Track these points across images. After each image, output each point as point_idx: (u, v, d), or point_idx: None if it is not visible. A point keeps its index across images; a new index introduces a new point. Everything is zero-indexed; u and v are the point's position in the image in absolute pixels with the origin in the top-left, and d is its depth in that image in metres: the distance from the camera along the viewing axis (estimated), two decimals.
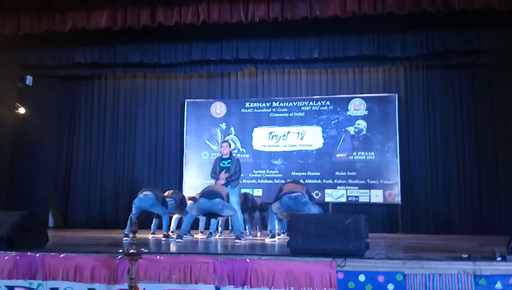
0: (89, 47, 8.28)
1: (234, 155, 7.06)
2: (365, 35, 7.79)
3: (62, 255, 4.01)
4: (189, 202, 7.26)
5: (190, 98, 10.06)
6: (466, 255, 3.77)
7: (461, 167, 8.96)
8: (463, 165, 8.96)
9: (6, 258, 4.04)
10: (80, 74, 9.50)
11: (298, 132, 9.56)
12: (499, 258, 3.65)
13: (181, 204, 7.12)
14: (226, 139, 7.02)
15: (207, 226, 7.38)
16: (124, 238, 6.17)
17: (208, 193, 6.16)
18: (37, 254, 4.02)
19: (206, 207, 6.11)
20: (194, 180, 9.62)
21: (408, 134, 9.30)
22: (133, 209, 6.56)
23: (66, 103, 10.26)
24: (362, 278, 3.64)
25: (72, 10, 7.03)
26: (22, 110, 9.17)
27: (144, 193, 6.61)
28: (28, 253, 4.04)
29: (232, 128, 9.82)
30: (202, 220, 7.50)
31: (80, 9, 7.00)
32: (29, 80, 9.10)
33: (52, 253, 4.04)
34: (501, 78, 8.74)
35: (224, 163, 6.75)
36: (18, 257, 4.03)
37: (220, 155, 6.95)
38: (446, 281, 3.56)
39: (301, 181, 7.90)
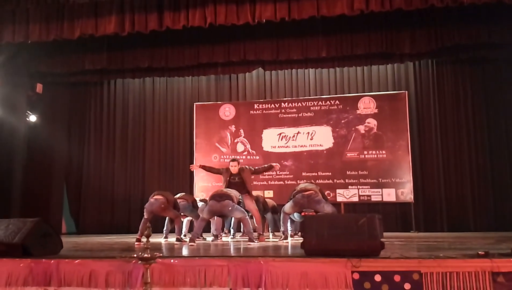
0: (98, 53, 8.32)
1: (242, 167, 6.96)
2: (373, 33, 7.75)
3: (76, 261, 4.01)
4: (200, 205, 7.28)
5: (198, 101, 10.08)
6: (483, 253, 3.70)
7: (474, 163, 8.87)
8: (476, 161, 8.87)
9: (21, 265, 4.05)
10: (90, 80, 9.58)
11: (308, 132, 9.53)
12: None
13: (193, 206, 7.13)
14: (235, 158, 6.98)
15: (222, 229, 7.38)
16: (136, 243, 6.17)
17: (218, 195, 6.16)
18: (52, 261, 4.02)
19: (216, 209, 6.11)
20: (205, 183, 9.64)
21: (419, 131, 9.23)
22: (145, 213, 6.58)
23: (76, 109, 10.33)
24: (378, 278, 3.60)
25: (80, 17, 7.07)
26: (33, 118, 9.26)
27: (155, 197, 6.61)
28: (43, 260, 4.05)
29: (241, 130, 9.81)
30: (214, 223, 7.50)
31: (88, 16, 7.04)
32: (39, 88, 9.18)
33: (67, 259, 4.05)
34: None
35: (234, 179, 6.79)
36: (33, 264, 4.03)
37: (230, 170, 6.88)
38: (463, 280, 3.51)
39: (313, 181, 7.87)
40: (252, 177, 7.16)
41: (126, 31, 7.03)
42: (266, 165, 7.24)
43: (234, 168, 6.81)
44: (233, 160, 6.92)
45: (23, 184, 8.83)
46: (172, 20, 6.94)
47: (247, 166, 7.04)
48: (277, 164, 7.24)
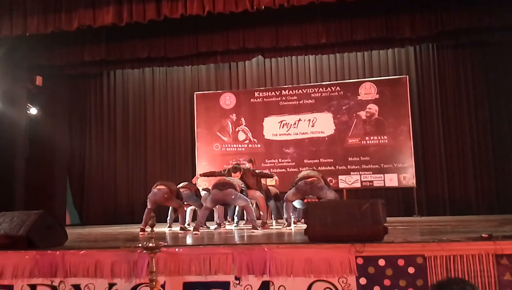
0: (97, 44, 8.27)
1: (244, 170, 6.94)
2: (373, 17, 7.68)
3: (81, 252, 4.04)
4: (203, 193, 7.30)
5: (199, 91, 10.05)
6: (486, 235, 3.71)
7: (475, 146, 8.87)
8: (478, 145, 8.86)
9: (26, 257, 4.08)
10: (89, 72, 9.55)
11: (309, 120, 9.51)
12: None
13: (196, 195, 7.15)
14: (236, 166, 6.91)
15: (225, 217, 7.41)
16: (140, 233, 6.20)
17: (221, 184, 6.17)
18: (57, 252, 4.05)
19: (219, 197, 6.13)
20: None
21: (421, 116, 9.20)
22: (148, 203, 6.60)
23: (76, 101, 10.31)
24: (382, 262, 3.62)
25: (78, 9, 7.01)
26: (33, 111, 9.25)
27: (158, 187, 6.63)
28: (48, 252, 4.08)
29: (242, 119, 9.80)
30: (216, 212, 7.52)
31: (86, 7, 6.98)
32: (38, 80, 9.16)
33: (72, 251, 4.08)
34: None
35: None
36: (38, 256, 4.07)
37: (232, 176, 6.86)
38: (467, 262, 3.52)
39: (315, 168, 7.87)
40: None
41: (124, 22, 6.97)
42: (268, 173, 7.23)
43: (237, 176, 6.80)
44: (234, 169, 6.81)
45: (26, 177, 8.85)
46: (170, 9, 6.87)
47: (249, 168, 7.01)
48: (277, 178, 7.13)
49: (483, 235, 3.74)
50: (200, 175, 7.66)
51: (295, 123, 9.57)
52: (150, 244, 3.47)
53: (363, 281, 3.62)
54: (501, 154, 8.69)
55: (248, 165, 7.56)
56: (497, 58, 8.83)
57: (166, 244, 3.86)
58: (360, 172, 9.12)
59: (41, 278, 4.04)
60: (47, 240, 4.31)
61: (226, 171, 6.97)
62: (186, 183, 7.44)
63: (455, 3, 7.37)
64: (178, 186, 7.01)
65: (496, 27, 7.66)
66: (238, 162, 7.08)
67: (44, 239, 4.29)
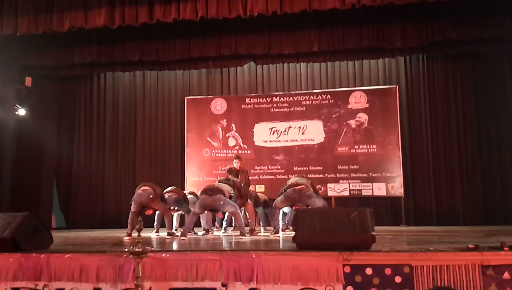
0: (88, 46, 8.23)
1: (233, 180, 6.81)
2: (365, 27, 7.76)
3: (67, 256, 3.98)
4: (189, 197, 7.25)
5: (190, 95, 10.03)
6: (472, 246, 3.73)
7: (463, 157, 8.94)
8: (465, 156, 8.94)
9: (11, 260, 4.02)
10: (79, 73, 9.48)
11: (299, 127, 9.53)
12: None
13: (183, 200, 7.10)
14: (228, 182, 6.76)
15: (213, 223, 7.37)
16: (125, 237, 6.12)
17: (209, 190, 6.15)
18: (42, 255, 3.99)
19: (208, 203, 6.10)
20: (196, 177, 9.62)
21: (410, 126, 9.27)
22: (132, 206, 6.51)
23: (66, 103, 10.21)
24: (369, 271, 3.62)
25: (69, 10, 6.98)
26: (22, 112, 9.16)
27: (143, 188, 6.57)
28: (33, 255, 4.02)
29: (233, 125, 9.79)
30: (204, 217, 7.47)
31: (77, 9, 6.95)
32: (28, 81, 9.07)
33: (57, 254, 4.02)
34: (502, 67, 8.71)
35: None
36: (23, 259, 4.00)
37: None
38: (453, 273, 3.54)
39: (304, 175, 7.88)
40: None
41: (116, 24, 6.96)
42: (248, 196, 6.91)
43: None
44: (226, 181, 6.70)
45: (13, 178, 8.74)
46: (163, 13, 6.88)
47: (239, 181, 6.86)
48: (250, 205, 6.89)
49: (469, 245, 3.76)
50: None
51: (285, 130, 9.59)
52: (137, 249, 3.43)
53: (350, 289, 3.62)
54: (489, 165, 8.77)
55: (235, 161, 7.52)
56: (486, 70, 8.94)
57: (152, 249, 3.83)
58: (349, 181, 9.15)
59: (25, 281, 3.98)
60: (32, 243, 4.25)
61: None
62: (174, 187, 7.39)
63: (446, 14, 7.46)
64: (166, 190, 6.96)
65: (485, 39, 7.78)
66: (229, 178, 6.96)
67: (29, 241, 4.24)
